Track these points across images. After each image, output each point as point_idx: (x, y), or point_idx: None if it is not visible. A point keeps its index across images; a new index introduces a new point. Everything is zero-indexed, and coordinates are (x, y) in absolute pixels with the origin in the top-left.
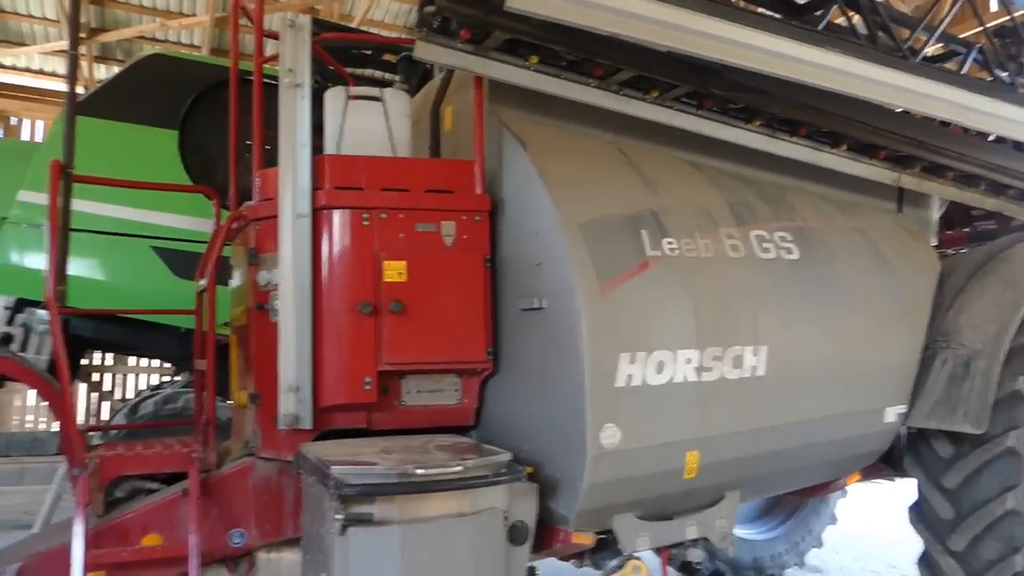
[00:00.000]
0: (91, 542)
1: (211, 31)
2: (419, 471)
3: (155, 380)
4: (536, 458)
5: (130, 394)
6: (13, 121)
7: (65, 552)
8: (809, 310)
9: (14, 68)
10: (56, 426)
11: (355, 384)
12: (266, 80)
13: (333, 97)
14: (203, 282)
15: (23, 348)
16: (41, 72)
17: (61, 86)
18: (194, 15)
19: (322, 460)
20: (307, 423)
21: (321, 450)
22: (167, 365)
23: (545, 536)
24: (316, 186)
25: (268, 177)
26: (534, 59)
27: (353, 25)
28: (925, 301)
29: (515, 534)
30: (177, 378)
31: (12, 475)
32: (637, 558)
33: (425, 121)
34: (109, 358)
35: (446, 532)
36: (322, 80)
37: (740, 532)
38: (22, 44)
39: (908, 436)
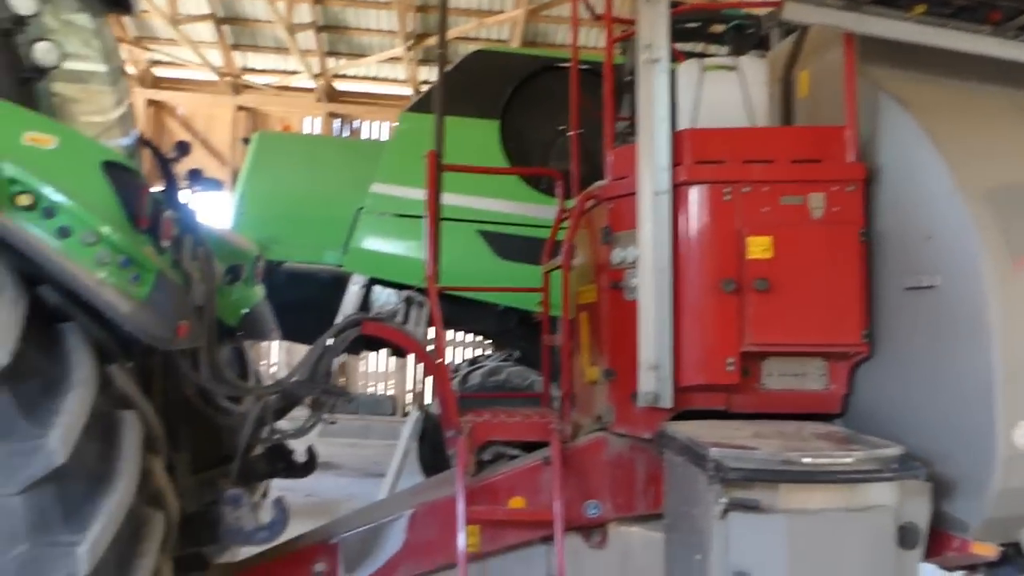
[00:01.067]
0: (468, 499)
1: (523, 25)
2: (806, 459)
3: (469, 354)
4: (923, 454)
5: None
6: (356, 124)
7: (449, 504)
8: None
9: (355, 77)
10: (392, 391)
11: (717, 364)
12: (582, 67)
13: (686, 71)
14: (552, 262)
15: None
16: (376, 78)
17: (395, 90)
18: (503, 12)
19: (696, 441)
20: (667, 402)
21: (690, 430)
22: (480, 339)
23: (936, 542)
24: (675, 162)
25: (622, 155)
26: (920, 8)
27: None
28: None
29: (905, 536)
30: (487, 352)
31: (361, 430)
32: None
33: (774, 90)
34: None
35: (833, 527)
36: None
37: None
38: (363, 55)
39: None
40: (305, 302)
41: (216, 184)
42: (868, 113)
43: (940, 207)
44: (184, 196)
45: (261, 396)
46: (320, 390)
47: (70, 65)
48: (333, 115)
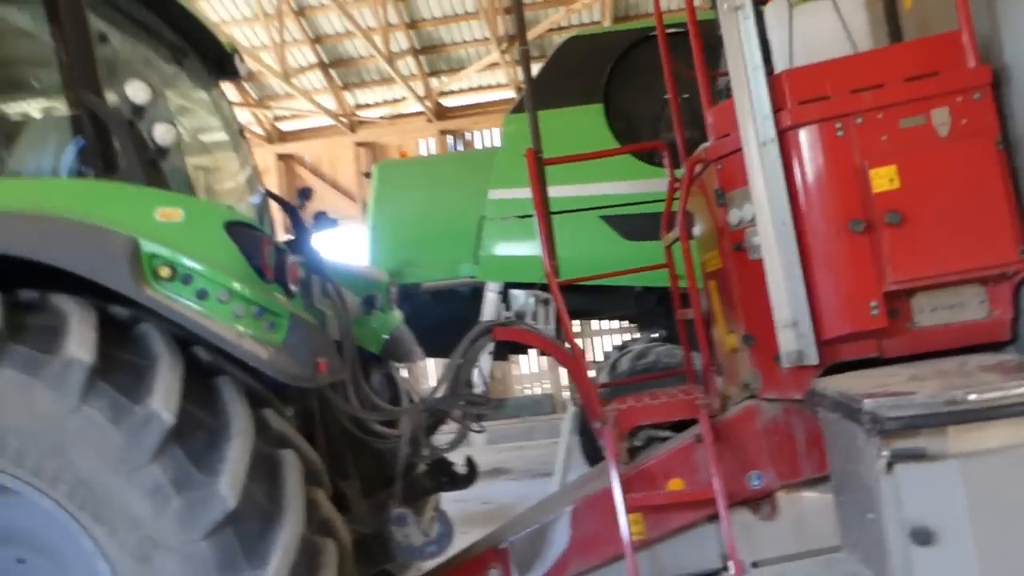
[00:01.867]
0: (624, 487)
1: (611, 3)
2: (972, 396)
3: (618, 340)
4: None
5: (599, 356)
6: (468, 136)
7: (607, 496)
8: None
9: (460, 91)
10: (548, 389)
11: (860, 310)
12: (674, 30)
13: (774, 10)
14: (671, 235)
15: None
16: (479, 88)
17: (499, 95)
18: None
19: (847, 395)
20: (812, 358)
21: (840, 384)
22: (627, 324)
23: None
24: (777, 108)
25: (722, 112)
26: None
27: None
28: None
29: None
30: (636, 337)
31: (524, 433)
32: None
33: (876, 8)
34: (576, 325)
35: (1018, 465)
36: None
37: None
38: (462, 68)
39: None
40: (450, 318)
41: (332, 222)
42: (985, 10)
43: None
44: (312, 238)
45: (411, 417)
46: (464, 402)
47: (199, 138)
48: (445, 132)
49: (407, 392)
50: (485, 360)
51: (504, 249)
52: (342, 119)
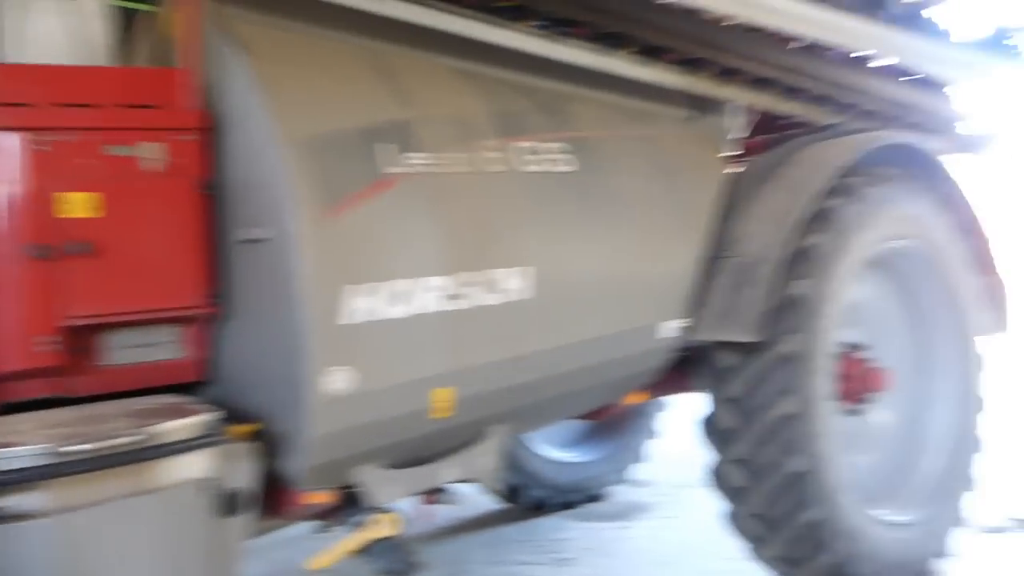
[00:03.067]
0: None
1: None
2: (73, 448)
3: None
4: (260, 412)
5: None
6: None
7: None
8: (582, 225)
9: None
10: None
11: (28, 346)
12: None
13: None
14: None
15: None
16: None
17: None
18: None
19: None
20: None
21: None
22: None
23: (279, 499)
24: None
25: None
26: None
27: None
28: (706, 211)
29: (224, 504)
30: None
31: None
32: (388, 510)
33: (148, 26)
34: None
35: (122, 515)
36: None
37: (560, 457)
38: None
39: (697, 350)
40: None
41: None
42: (217, 57)
43: (267, 157)
44: None
45: None
46: None
47: None
48: None
49: None
50: None
51: None
52: None
